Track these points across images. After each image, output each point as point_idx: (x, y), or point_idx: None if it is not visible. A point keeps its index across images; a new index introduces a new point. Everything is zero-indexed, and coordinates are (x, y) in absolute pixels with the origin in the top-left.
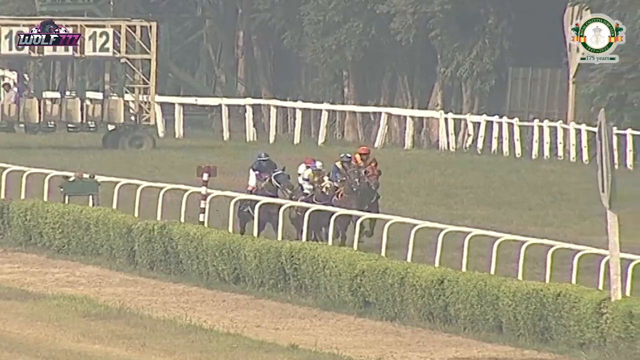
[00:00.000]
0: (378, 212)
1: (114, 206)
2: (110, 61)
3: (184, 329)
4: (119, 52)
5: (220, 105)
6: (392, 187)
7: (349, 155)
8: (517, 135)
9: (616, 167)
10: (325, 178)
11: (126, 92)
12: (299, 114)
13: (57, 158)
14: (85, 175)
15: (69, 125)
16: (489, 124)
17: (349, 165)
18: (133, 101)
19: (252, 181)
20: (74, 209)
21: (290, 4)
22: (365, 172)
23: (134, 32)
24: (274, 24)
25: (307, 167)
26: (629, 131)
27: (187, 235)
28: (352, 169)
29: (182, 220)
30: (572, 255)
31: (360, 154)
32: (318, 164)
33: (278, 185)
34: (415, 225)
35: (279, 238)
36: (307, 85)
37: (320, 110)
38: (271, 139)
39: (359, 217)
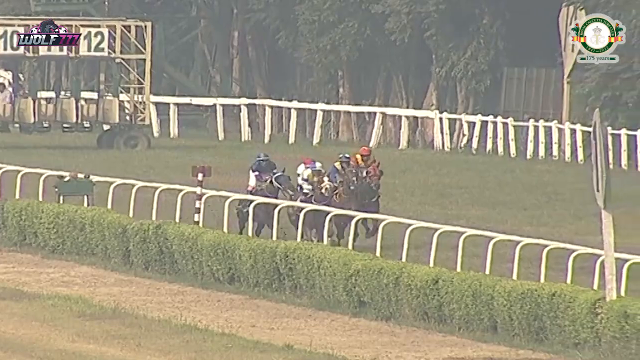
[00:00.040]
0: (378, 212)
1: (109, 206)
2: (105, 61)
3: (179, 329)
4: (114, 52)
5: (215, 105)
6: (387, 187)
7: (347, 155)
8: (511, 135)
9: (611, 167)
10: (325, 179)
11: (121, 92)
12: (293, 113)
13: (52, 158)
14: (80, 175)
15: (64, 125)
16: (484, 124)
17: (347, 165)
18: (128, 101)
19: (252, 182)
20: (69, 209)
21: (285, 4)
22: (366, 173)
23: (129, 32)
24: (268, 24)
25: (307, 168)
26: (623, 131)
27: (182, 235)
28: (350, 169)
29: (177, 220)
30: (567, 255)
31: (362, 155)
32: (318, 165)
33: (279, 186)
34: (410, 225)
35: (274, 238)
36: (302, 85)
37: (315, 110)
38: (266, 139)
39: (358, 217)
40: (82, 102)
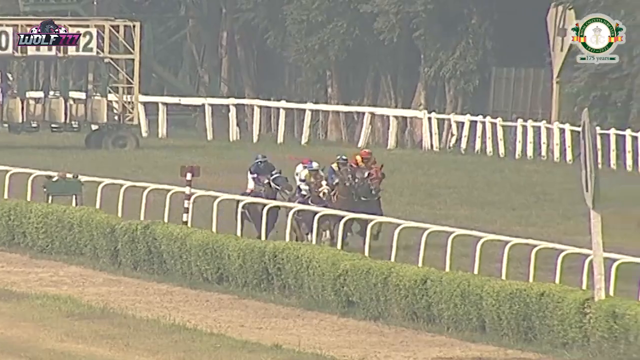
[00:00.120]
0: (382, 214)
1: (98, 206)
2: (93, 61)
3: (168, 328)
4: (103, 51)
5: (203, 105)
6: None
7: (345, 157)
8: (500, 135)
9: (600, 167)
10: (324, 183)
11: (110, 92)
12: (282, 113)
13: (40, 158)
14: (69, 175)
15: (53, 125)
16: (473, 124)
17: (345, 166)
18: (116, 101)
19: (251, 184)
20: (58, 209)
21: (274, 3)
22: (368, 175)
23: (118, 32)
24: (257, 24)
25: (305, 168)
26: (612, 131)
27: (171, 235)
28: (346, 168)
29: (166, 220)
30: (555, 255)
31: (362, 157)
32: (314, 165)
33: (277, 187)
34: (398, 225)
35: (263, 238)
36: (290, 85)
37: (304, 110)
38: (254, 139)
39: (362, 219)
40: (71, 102)
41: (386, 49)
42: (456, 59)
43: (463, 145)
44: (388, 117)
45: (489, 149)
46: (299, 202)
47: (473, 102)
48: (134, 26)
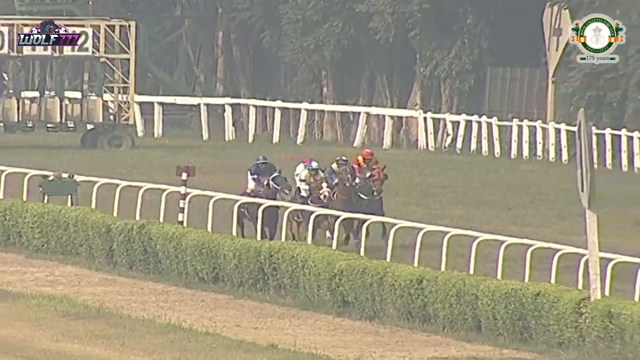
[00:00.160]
0: (383, 214)
1: (93, 206)
2: (89, 61)
3: (163, 328)
4: (98, 51)
5: (199, 104)
6: None
7: (345, 158)
8: (496, 135)
9: (595, 166)
10: (324, 185)
11: (105, 92)
12: (278, 113)
13: (36, 157)
14: (64, 175)
15: (48, 124)
16: (468, 124)
17: (344, 167)
18: (112, 101)
19: (251, 185)
20: (53, 209)
21: (269, 3)
22: (370, 176)
23: (113, 31)
24: (253, 24)
25: (305, 167)
26: (607, 131)
27: (166, 235)
28: (345, 167)
29: (161, 219)
30: (551, 255)
31: (364, 158)
32: (314, 164)
33: (277, 187)
34: (394, 224)
35: (258, 238)
36: (286, 85)
37: (300, 109)
38: (250, 139)
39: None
40: (66, 101)
41: (382, 49)
42: (452, 58)
43: (459, 145)
44: (384, 116)
45: (485, 148)
46: (300, 204)
47: (468, 101)
48: (129, 26)
